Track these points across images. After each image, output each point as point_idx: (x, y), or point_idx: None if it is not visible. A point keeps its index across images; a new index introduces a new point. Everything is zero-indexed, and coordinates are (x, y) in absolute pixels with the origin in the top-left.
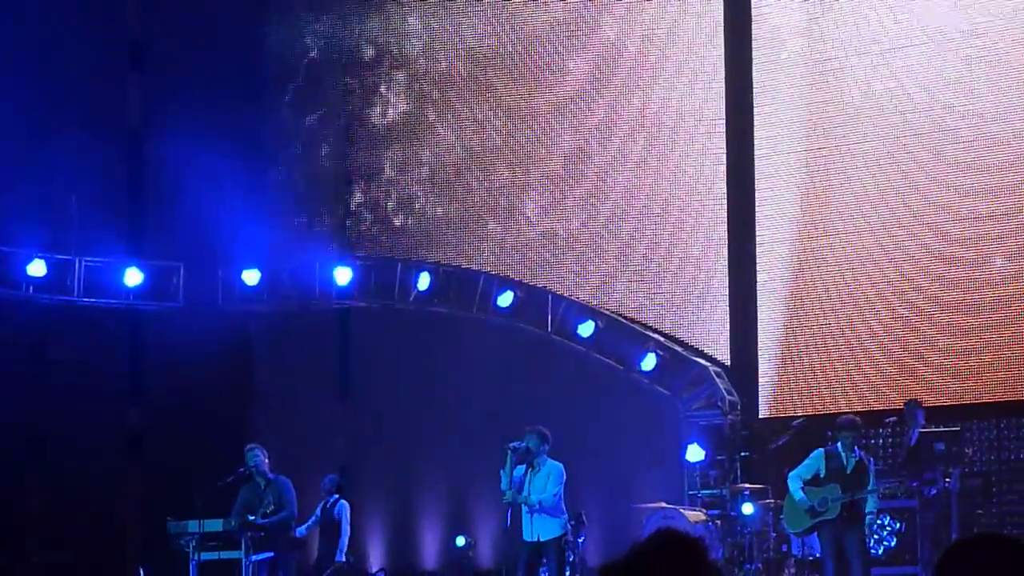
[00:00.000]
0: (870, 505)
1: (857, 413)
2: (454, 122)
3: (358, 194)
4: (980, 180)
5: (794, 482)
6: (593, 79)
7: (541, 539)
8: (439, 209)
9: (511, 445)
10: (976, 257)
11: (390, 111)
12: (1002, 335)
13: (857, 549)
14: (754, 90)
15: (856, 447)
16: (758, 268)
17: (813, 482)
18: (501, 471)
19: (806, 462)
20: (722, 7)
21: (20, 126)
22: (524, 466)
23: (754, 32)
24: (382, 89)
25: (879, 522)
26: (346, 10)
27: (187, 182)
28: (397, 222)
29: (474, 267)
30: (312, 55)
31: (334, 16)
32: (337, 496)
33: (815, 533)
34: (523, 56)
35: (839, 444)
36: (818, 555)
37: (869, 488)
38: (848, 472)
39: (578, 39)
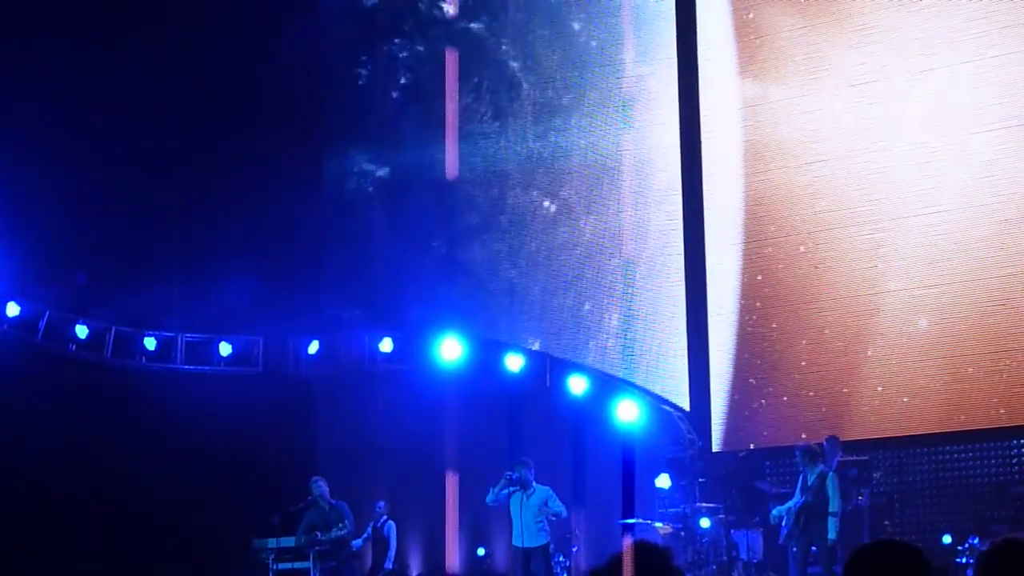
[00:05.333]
0: (831, 532)
1: (788, 447)
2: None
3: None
4: (890, 263)
5: (778, 510)
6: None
7: (527, 546)
8: None
9: (507, 474)
10: (897, 316)
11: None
12: (901, 381)
13: (818, 550)
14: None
15: (820, 466)
16: (710, 335)
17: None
18: (491, 488)
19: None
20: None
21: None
22: (514, 488)
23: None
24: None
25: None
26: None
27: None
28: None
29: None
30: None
31: None
32: (386, 517)
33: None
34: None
35: (807, 468)
36: (761, 559)
37: (827, 505)
38: (809, 485)
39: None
